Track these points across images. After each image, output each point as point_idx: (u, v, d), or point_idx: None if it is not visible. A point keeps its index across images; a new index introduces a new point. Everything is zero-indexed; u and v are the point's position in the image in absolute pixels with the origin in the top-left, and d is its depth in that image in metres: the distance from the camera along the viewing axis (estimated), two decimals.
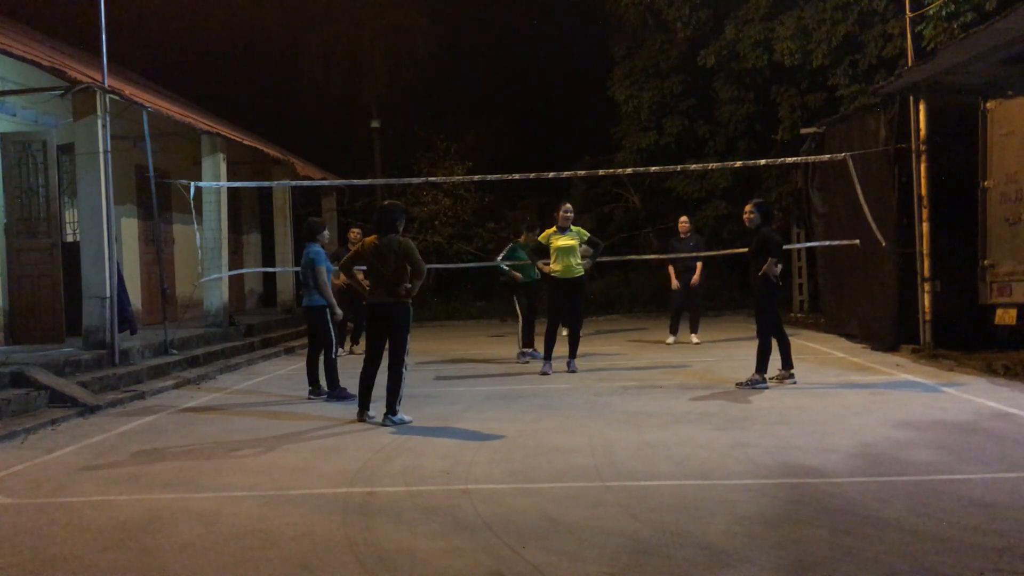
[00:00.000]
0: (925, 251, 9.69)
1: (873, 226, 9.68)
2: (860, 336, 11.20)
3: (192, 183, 10.45)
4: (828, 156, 10.80)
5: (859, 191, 9.84)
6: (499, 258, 10.92)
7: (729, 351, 10.93)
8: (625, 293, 18.43)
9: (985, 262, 9.01)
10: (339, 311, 8.19)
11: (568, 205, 9.60)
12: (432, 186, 19.35)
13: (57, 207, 9.91)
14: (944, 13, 11.06)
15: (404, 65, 21.43)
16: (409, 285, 6.77)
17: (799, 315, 14.87)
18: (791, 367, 8.14)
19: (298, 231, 14.52)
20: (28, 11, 16.52)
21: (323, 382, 8.27)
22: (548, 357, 9.45)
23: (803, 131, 13.32)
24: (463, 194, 19.91)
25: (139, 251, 12.92)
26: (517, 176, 12.01)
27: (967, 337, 9.28)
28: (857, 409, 6.79)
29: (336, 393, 8.15)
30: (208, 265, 11.79)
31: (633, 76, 18.75)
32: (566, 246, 9.32)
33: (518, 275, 10.61)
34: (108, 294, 9.24)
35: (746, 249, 8.53)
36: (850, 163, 10.03)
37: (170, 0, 20.80)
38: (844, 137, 11.43)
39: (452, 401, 7.85)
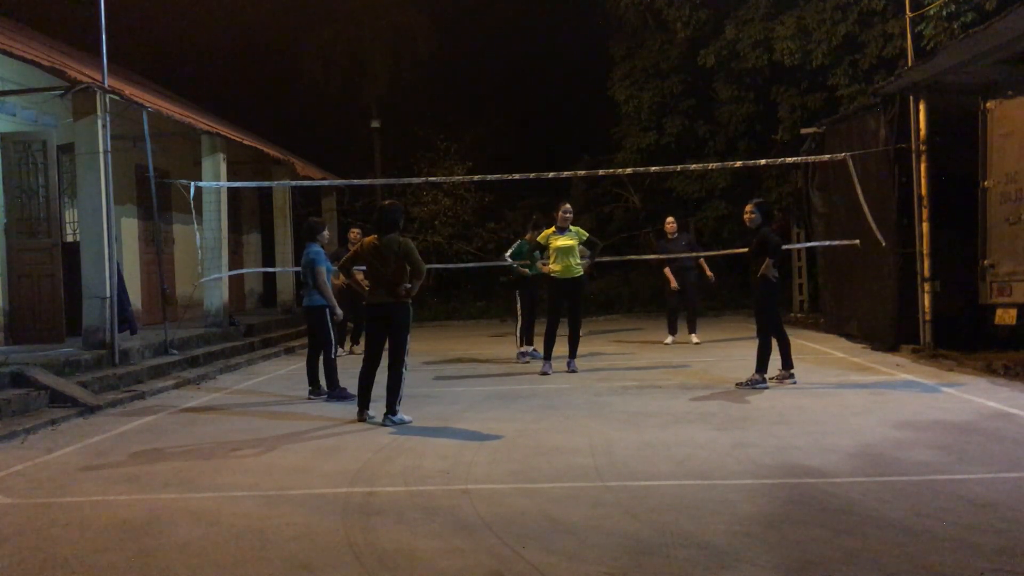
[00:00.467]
0: (925, 251, 9.69)
1: (873, 226, 9.68)
2: (860, 336, 11.20)
3: (192, 183, 10.45)
4: (828, 156, 10.80)
5: (859, 191, 9.84)
6: (507, 254, 10.93)
7: (729, 351, 10.93)
8: (625, 293, 18.43)
9: (985, 262, 9.01)
10: (339, 311, 8.18)
11: (567, 205, 9.60)
12: (432, 186, 19.34)
13: (57, 207, 9.91)
14: (944, 13, 11.07)
15: (404, 65, 21.43)
16: (409, 285, 6.77)
17: (799, 315, 14.87)
18: (791, 367, 8.14)
19: (298, 231, 14.53)
20: (28, 11, 16.51)
21: (323, 382, 8.27)
22: (548, 357, 9.45)
23: (803, 131, 13.32)
24: (463, 194, 19.91)
25: (139, 251, 12.91)
26: (517, 176, 12.01)
27: (967, 337, 9.28)
28: (857, 409, 6.79)
29: (336, 393, 8.15)
30: (208, 265, 11.79)
31: (633, 76, 18.75)
32: (565, 246, 9.32)
33: (526, 270, 10.61)
34: (108, 294, 9.24)
35: (746, 249, 8.53)
36: (850, 163, 10.03)
37: (170, 0, 20.80)
38: (844, 137, 11.43)
39: (452, 401, 7.85)
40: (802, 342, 11.14)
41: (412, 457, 5.63)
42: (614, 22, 19.24)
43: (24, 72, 9.48)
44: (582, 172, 14.53)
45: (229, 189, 12.96)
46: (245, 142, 13.66)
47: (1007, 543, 3.70)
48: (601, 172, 14.43)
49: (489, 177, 12.87)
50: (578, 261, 9.42)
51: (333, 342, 8.26)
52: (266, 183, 14.77)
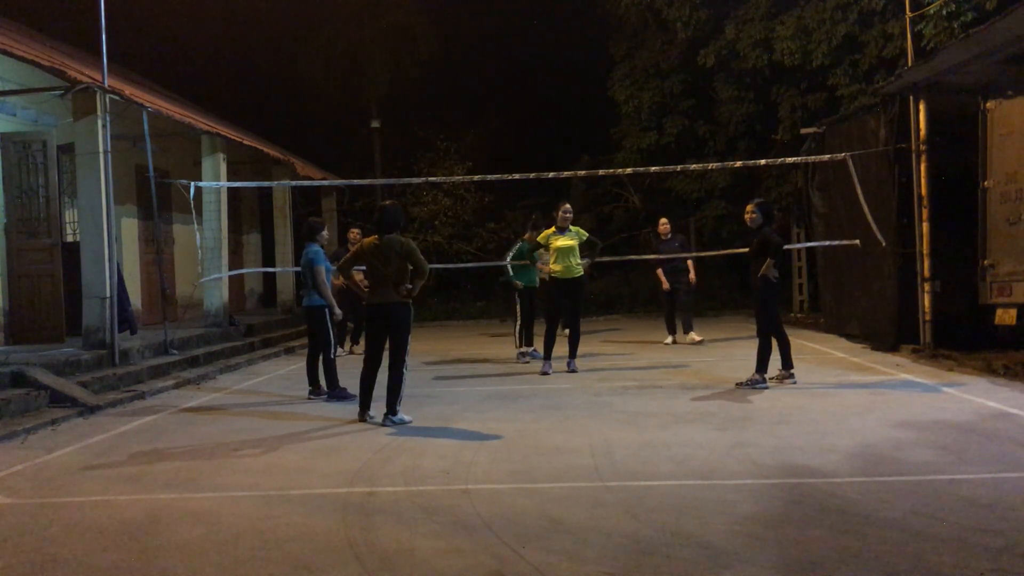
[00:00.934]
0: (925, 251, 9.69)
1: (873, 226, 9.68)
2: (860, 336, 11.20)
3: (192, 183, 10.45)
4: (828, 156, 10.80)
5: (859, 191, 9.84)
6: (508, 256, 10.92)
7: (729, 351, 10.93)
8: (625, 293, 18.44)
9: (985, 262, 9.01)
10: (339, 311, 8.18)
11: (567, 205, 9.60)
12: (432, 186, 19.35)
13: (57, 207, 9.91)
14: (944, 13, 11.07)
15: (404, 65, 21.42)
16: (410, 285, 6.77)
17: (799, 315, 14.87)
18: (791, 367, 8.14)
19: (298, 231, 14.52)
20: (28, 11, 16.50)
21: (323, 382, 8.27)
22: (548, 357, 9.45)
23: (803, 131, 13.32)
24: (463, 194, 19.91)
25: (139, 251, 12.91)
26: (517, 176, 12.02)
27: (967, 337, 9.28)
28: (857, 409, 6.78)
29: (336, 393, 8.15)
30: (208, 265, 11.79)
31: (633, 76, 18.75)
32: (566, 246, 9.33)
33: (519, 283, 10.65)
34: (108, 294, 9.24)
35: (746, 249, 8.53)
36: (850, 163, 10.03)
37: (170, 0, 20.80)
38: (844, 137, 11.43)
39: (452, 401, 7.85)
40: (802, 342, 11.14)
41: (412, 457, 5.63)
42: (614, 22, 19.24)
43: (24, 72, 9.48)
44: (582, 172, 14.53)
45: (229, 189, 12.96)
46: (245, 142, 13.66)
47: (1007, 543, 3.70)
48: (601, 172, 14.44)
49: (489, 177, 12.87)
50: (579, 261, 9.43)
51: (333, 342, 8.26)
52: (266, 183, 14.77)
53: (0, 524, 4.47)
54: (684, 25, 16.84)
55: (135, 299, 11.66)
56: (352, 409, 7.21)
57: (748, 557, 3.63)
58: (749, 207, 8.16)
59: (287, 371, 10.59)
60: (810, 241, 12.89)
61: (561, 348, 9.64)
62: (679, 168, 14.89)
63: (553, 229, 9.49)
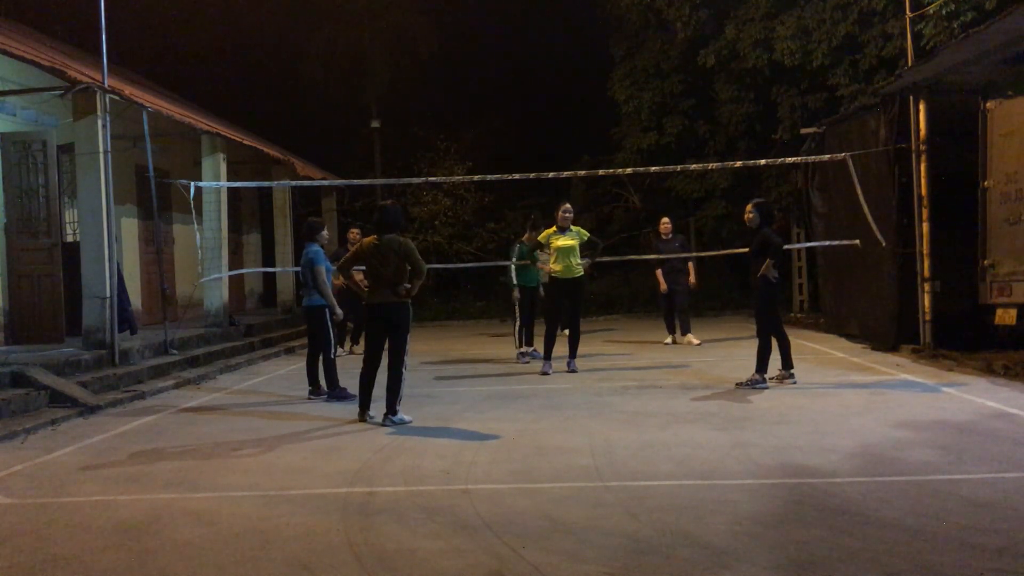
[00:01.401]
0: (925, 251, 9.69)
1: (873, 226, 9.68)
2: (860, 336, 11.20)
3: (192, 183, 10.44)
4: (828, 156, 10.80)
5: (859, 191, 9.84)
6: (513, 259, 10.83)
7: (729, 351, 10.93)
8: (625, 293, 18.44)
9: (985, 262, 9.01)
10: (339, 311, 8.18)
11: (567, 205, 9.60)
12: (432, 186, 19.34)
13: (57, 207, 9.90)
14: (944, 12, 11.06)
15: (404, 65, 21.43)
16: (409, 285, 6.77)
17: (799, 315, 14.87)
18: (791, 367, 8.14)
19: (298, 231, 14.52)
20: (28, 11, 16.52)
21: (323, 382, 8.27)
22: (548, 357, 9.45)
23: (803, 131, 13.32)
24: (463, 194, 19.91)
25: (139, 251, 12.91)
26: (517, 176, 12.01)
27: (967, 337, 9.28)
28: (857, 409, 6.79)
29: (336, 393, 8.15)
30: (208, 265, 11.79)
31: (633, 76, 18.74)
32: (566, 246, 9.32)
33: (517, 294, 10.65)
34: (108, 294, 9.24)
35: (746, 249, 8.52)
36: (850, 163, 10.02)
37: (170, 0, 20.80)
38: (844, 137, 11.43)
39: (452, 401, 7.85)
40: (802, 342, 11.14)
41: (412, 457, 5.63)
42: (614, 22, 19.23)
43: (24, 72, 9.48)
44: (582, 172, 14.52)
45: (229, 189, 12.96)
46: (245, 142, 13.65)
47: (1007, 543, 3.70)
48: (601, 172, 14.43)
49: (489, 177, 12.86)
50: (579, 261, 9.42)
51: (333, 342, 8.26)
52: (266, 183, 14.76)
53: (0, 524, 4.48)
54: (684, 25, 16.83)
55: (135, 299, 11.66)
56: (352, 409, 7.21)
57: (748, 557, 3.63)
58: (748, 207, 8.16)
59: (287, 371, 10.59)
60: (810, 241, 12.88)
61: (561, 348, 9.64)
62: (679, 168, 14.88)
63: (553, 229, 9.49)
